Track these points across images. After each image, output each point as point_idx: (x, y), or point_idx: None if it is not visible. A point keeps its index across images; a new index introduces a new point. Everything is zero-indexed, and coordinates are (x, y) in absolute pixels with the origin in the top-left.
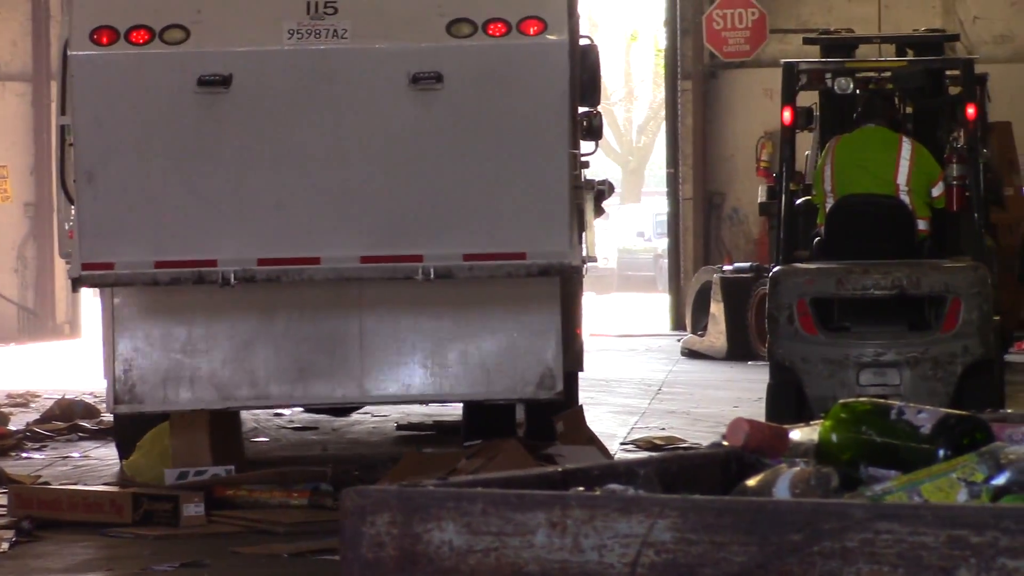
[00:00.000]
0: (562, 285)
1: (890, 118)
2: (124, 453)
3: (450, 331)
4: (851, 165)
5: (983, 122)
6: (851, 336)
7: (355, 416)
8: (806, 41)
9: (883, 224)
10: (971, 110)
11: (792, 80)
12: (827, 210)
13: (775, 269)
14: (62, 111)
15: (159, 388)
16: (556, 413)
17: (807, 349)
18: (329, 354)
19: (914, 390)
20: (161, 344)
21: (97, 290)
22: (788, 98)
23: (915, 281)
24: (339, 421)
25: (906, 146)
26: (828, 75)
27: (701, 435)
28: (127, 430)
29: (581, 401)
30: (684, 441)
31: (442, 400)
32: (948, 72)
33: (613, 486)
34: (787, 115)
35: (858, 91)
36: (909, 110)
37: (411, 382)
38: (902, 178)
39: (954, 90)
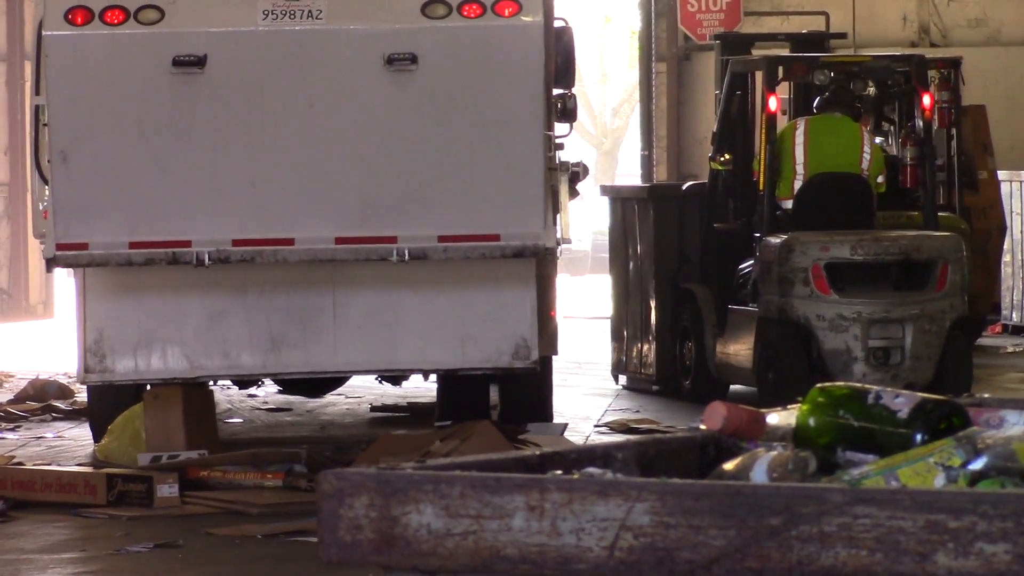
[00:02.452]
0: (536, 267)
1: (852, 109)
2: (98, 435)
3: (425, 301)
4: (822, 147)
5: (957, 106)
6: (860, 296)
7: (329, 397)
8: (713, 37)
9: (853, 200)
10: (926, 99)
11: (774, 72)
12: (794, 186)
13: (784, 238)
14: (36, 91)
15: (130, 358)
16: (530, 391)
17: (822, 307)
18: (302, 324)
19: (914, 343)
20: (133, 315)
21: (71, 270)
22: (771, 88)
23: (917, 248)
24: (313, 403)
25: (866, 137)
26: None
27: (675, 418)
28: (101, 411)
29: (555, 383)
30: (658, 424)
31: (416, 370)
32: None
33: (591, 469)
34: (772, 104)
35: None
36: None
37: (385, 352)
38: (865, 164)
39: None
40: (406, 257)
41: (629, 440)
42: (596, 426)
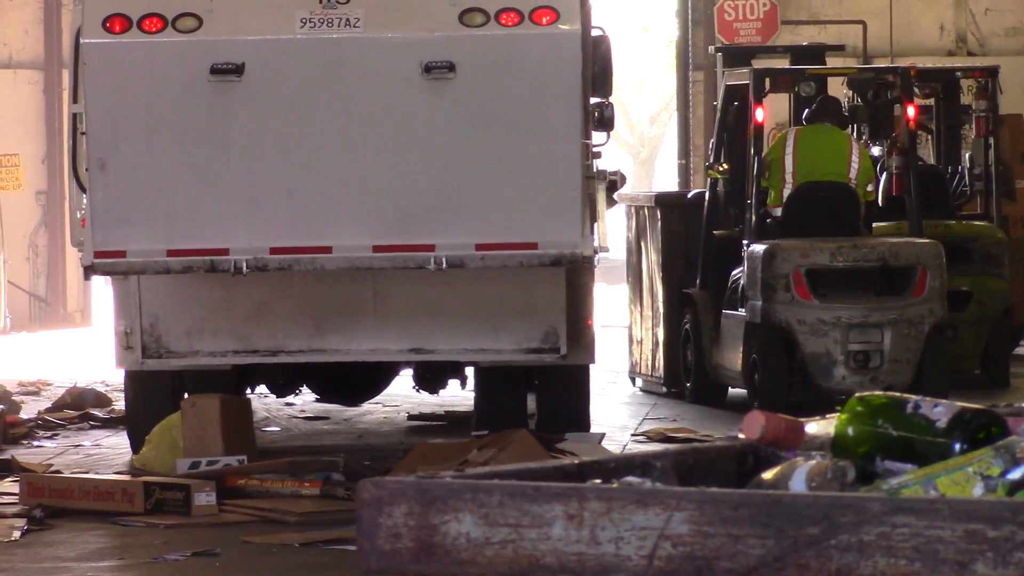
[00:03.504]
0: (573, 276)
1: (840, 119)
2: (136, 444)
3: (460, 290)
4: (811, 157)
5: (994, 115)
6: (840, 301)
7: (366, 406)
8: (714, 50)
9: (838, 208)
10: (910, 110)
11: (761, 85)
12: (784, 195)
13: (767, 245)
14: (74, 99)
15: (184, 342)
16: (568, 399)
17: (803, 312)
18: (343, 311)
19: (893, 347)
20: (185, 302)
21: (109, 278)
22: (758, 100)
23: (895, 254)
24: (350, 411)
25: (855, 147)
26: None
27: (713, 427)
28: (139, 420)
29: (592, 392)
30: (696, 433)
31: (451, 357)
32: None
33: (630, 479)
34: (759, 115)
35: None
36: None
37: (421, 337)
38: (852, 172)
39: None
40: (443, 265)
41: (667, 449)
42: (633, 435)
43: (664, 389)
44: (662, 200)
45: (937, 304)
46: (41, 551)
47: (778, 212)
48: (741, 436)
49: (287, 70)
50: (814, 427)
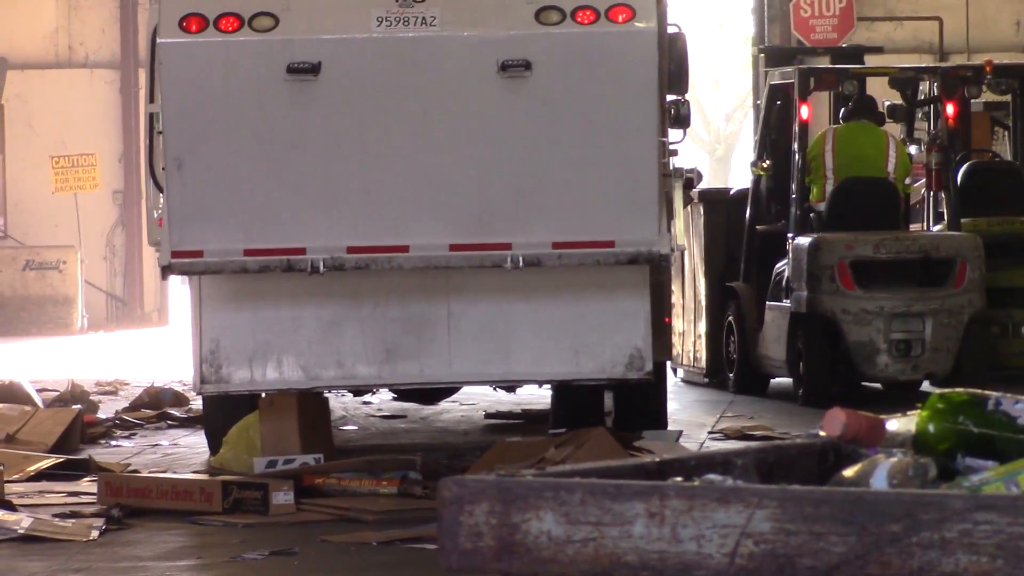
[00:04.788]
0: (651, 273)
1: (876, 116)
2: (213, 443)
3: (538, 312)
4: (850, 154)
5: None
6: (883, 291)
7: (443, 404)
8: (758, 51)
9: (880, 202)
10: (950, 108)
11: (806, 83)
12: (826, 190)
13: (812, 238)
14: (151, 99)
15: (246, 368)
16: (645, 397)
17: (847, 302)
18: (417, 335)
19: (934, 336)
20: (248, 325)
21: (186, 278)
22: (803, 98)
23: (936, 247)
24: (427, 409)
25: (892, 142)
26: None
27: (789, 424)
28: (217, 421)
29: (669, 390)
30: (773, 430)
31: (530, 381)
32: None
33: (711, 476)
34: (804, 112)
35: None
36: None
37: (498, 362)
38: (891, 167)
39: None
40: (520, 264)
41: (748, 447)
42: (710, 432)
43: (706, 380)
44: (705, 196)
45: (976, 295)
46: (119, 551)
47: (821, 207)
48: (822, 433)
49: (363, 69)
50: (895, 424)
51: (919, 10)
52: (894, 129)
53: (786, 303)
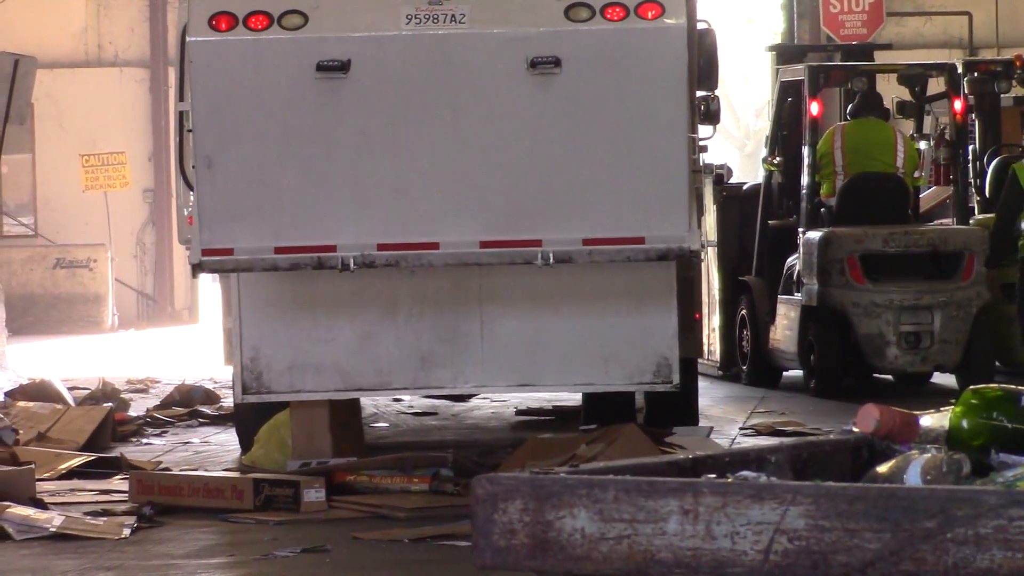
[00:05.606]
0: (681, 270)
1: (882, 111)
2: (245, 442)
3: (568, 321)
4: (859, 150)
5: None
6: (893, 284)
7: (474, 401)
8: (767, 48)
9: (889, 197)
10: (957, 104)
11: (816, 80)
12: (835, 185)
13: (823, 232)
14: (180, 97)
15: (285, 376)
16: (676, 394)
17: (856, 296)
18: (450, 343)
19: (943, 328)
20: (286, 334)
21: (216, 276)
22: (813, 94)
23: (944, 240)
24: (458, 406)
25: (899, 137)
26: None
27: (821, 420)
28: (248, 418)
29: (700, 387)
30: (804, 426)
31: (560, 389)
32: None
33: (745, 473)
34: (814, 108)
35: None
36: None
37: (530, 370)
38: (899, 162)
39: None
40: (551, 260)
41: (782, 443)
42: (741, 428)
43: (720, 372)
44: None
45: (984, 288)
46: (151, 548)
47: (831, 202)
48: (855, 430)
49: (393, 67)
50: (928, 420)
51: (948, 5)
52: (906, 126)
53: (797, 296)
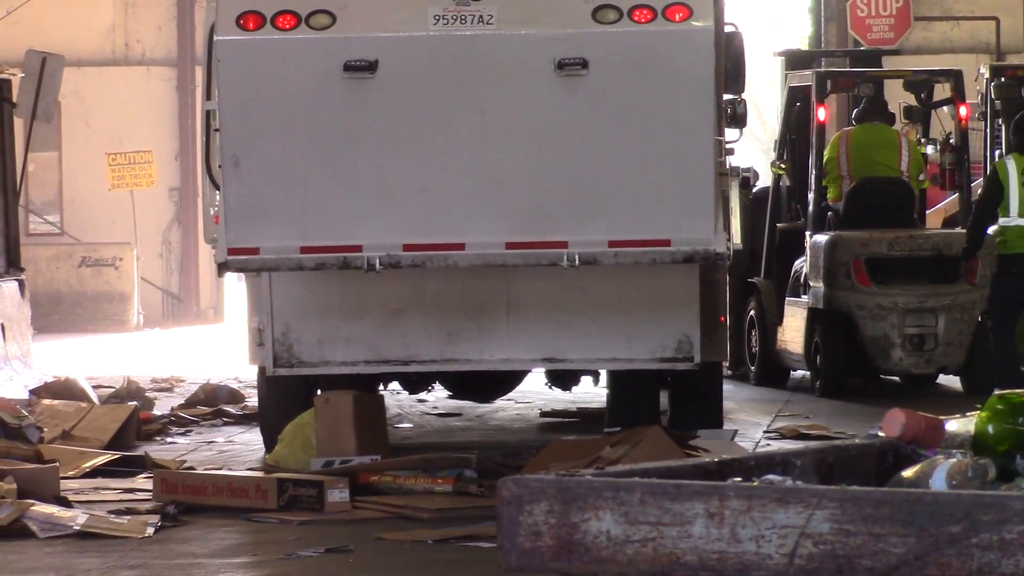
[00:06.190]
0: (707, 272)
1: (886, 116)
2: (269, 441)
3: (592, 299)
4: (864, 155)
5: None
6: (898, 287)
7: (499, 403)
8: (776, 54)
9: (895, 201)
10: (963, 110)
11: (823, 86)
12: (842, 189)
13: (829, 235)
14: (207, 96)
15: (316, 350)
16: (701, 396)
17: (862, 298)
18: (476, 319)
19: (947, 331)
20: (317, 309)
21: (241, 275)
22: (820, 100)
23: (949, 244)
24: (483, 408)
25: (904, 141)
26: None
27: (845, 424)
28: (272, 418)
29: (725, 389)
30: (828, 429)
31: (584, 365)
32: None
33: (770, 476)
34: (821, 114)
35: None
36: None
37: (554, 347)
38: (904, 165)
39: None
40: (576, 262)
41: (808, 447)
42: (766, 432)
43: (728, 372)
44: None
45: (987, 291)
46: (175, 547)
47: (838, 206)
48: (881, 434)
49: (420, 67)
50: (954, 425)
51: (976, 10)
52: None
53: (805, 299)
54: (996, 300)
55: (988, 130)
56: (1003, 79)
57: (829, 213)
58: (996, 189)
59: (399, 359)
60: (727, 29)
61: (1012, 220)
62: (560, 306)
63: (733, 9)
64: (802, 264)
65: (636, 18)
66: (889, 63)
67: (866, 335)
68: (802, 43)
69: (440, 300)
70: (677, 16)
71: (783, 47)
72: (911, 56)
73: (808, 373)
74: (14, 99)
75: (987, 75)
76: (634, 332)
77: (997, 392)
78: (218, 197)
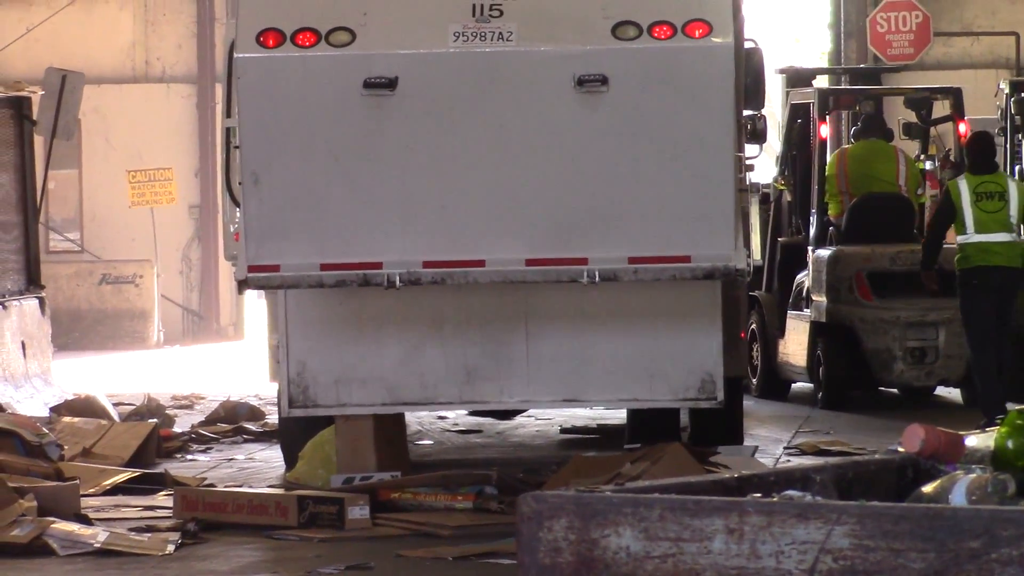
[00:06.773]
0: (727, 288)
1: (884, 132)
2: (289, 458)
3: (613, 337)
4: (863, 171)
5: None
6: (899, 301)
7: (519, 419)
8: (777, 71)
9: (895, 216)
10: (962, 127)
11: (825, 103)
12: (843, 205)
13: (832, 250)
14: (227, 113)
15: (332, 390)
16: (721, 413)
17: (864, 312)
18: (496, 358)
19: (947, 344)
20: (333, 348)
21: (261, 292)
22: (822, 117)
23: (949, 259)
24: (503, 424)
25: (901, 156)
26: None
27: (866, 439)
28: (293, 435)
29: (745, 405)
30: (849, 445)
31: (605, 405)
32: None
33: (790, 492)
34: (823, 131)
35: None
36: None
37: (575, 386)
38: (902, 180)
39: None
40: (596, 279)
41: (827, 463)
42: (786, 448)
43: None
44: None
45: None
46: (195, 565)
47: (839, 222)
48: (901, 449)
49: (440, 84)
50: (974, 440)
51: (996, 25)
52: (910, 147)
53: (807, 312)
54: (969, 314)
55: (1008, 145)
56: (1023, 94)
57: (830, 228)
58: (949, 209)
59: (417, 401)
60: (747, 45)
61: (970, 237)
62: (580, 344)
63: (753, 25)
64: (804, 278)
65: (656, 34)
66: (898, 79)
67: (868, 348)
68: (822, 59)
69: (459, 338)
70: (697, 32)
71: (782, 65)
72: (931, 72)
73: (810, 385)
74: (34, 117)
75: (1007, 90)
76: (657, 371)
77: (1016, 408)
78: (238, 214)
